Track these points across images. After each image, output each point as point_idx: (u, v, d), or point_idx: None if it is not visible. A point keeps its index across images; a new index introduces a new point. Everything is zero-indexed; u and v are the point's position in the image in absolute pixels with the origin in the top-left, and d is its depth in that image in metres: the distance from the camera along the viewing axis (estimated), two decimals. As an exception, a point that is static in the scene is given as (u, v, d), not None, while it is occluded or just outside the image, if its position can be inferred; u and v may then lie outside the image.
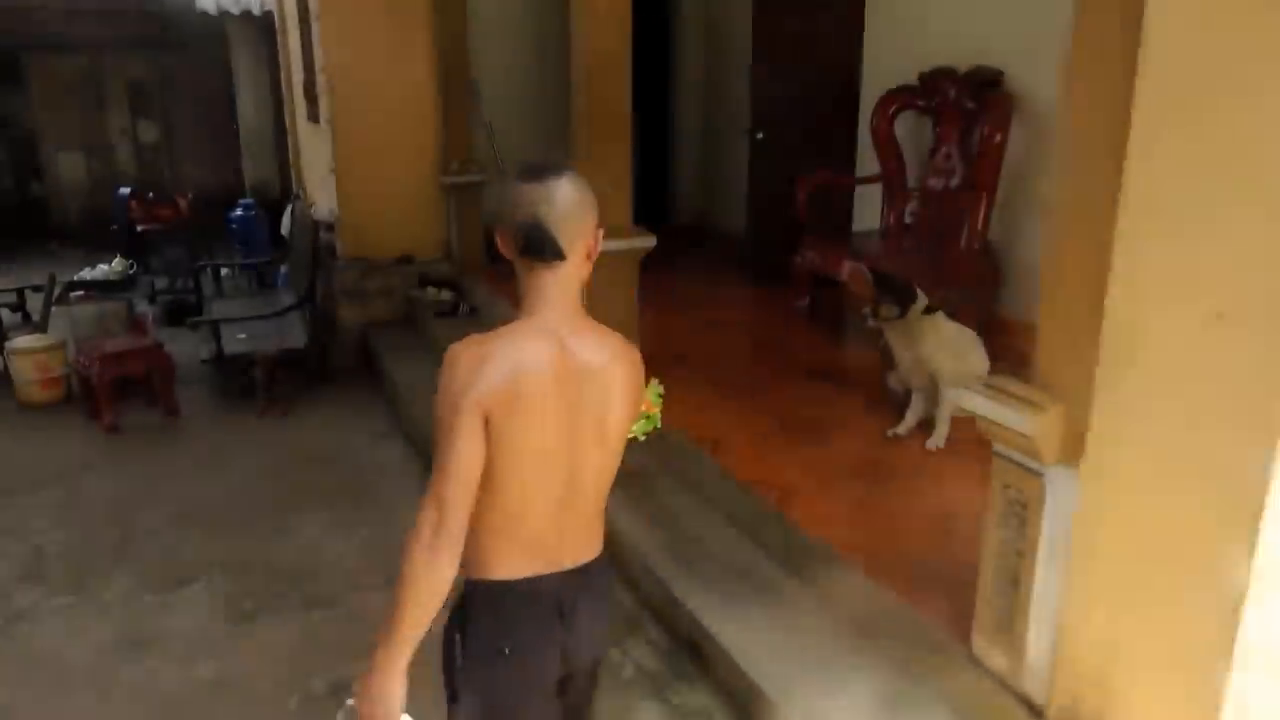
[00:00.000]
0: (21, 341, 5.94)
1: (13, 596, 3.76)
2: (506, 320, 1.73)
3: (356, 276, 6.59)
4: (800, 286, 5.09)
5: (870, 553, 3.05)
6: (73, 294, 6.19)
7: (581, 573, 1.78)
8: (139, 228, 7.79)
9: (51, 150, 10.79)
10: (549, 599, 1.73)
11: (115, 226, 7.89)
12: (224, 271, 8.18)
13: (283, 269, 8.12)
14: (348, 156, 6.50)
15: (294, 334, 6.22)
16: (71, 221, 10.90)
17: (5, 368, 5.98)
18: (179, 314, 7.84)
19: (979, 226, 4.52)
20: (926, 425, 3.83)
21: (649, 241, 4.32)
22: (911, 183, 5.21)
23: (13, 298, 6.98)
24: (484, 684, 1.75)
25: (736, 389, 4.29)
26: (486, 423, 1.58)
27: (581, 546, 1.78)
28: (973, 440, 2.61)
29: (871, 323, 3.78)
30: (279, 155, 10.38)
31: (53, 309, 6.73)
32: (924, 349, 3.73)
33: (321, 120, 7.46)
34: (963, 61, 4.86)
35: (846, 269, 4.57)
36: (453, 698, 1.78)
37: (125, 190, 7.93)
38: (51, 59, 10.44)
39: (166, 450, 5.30)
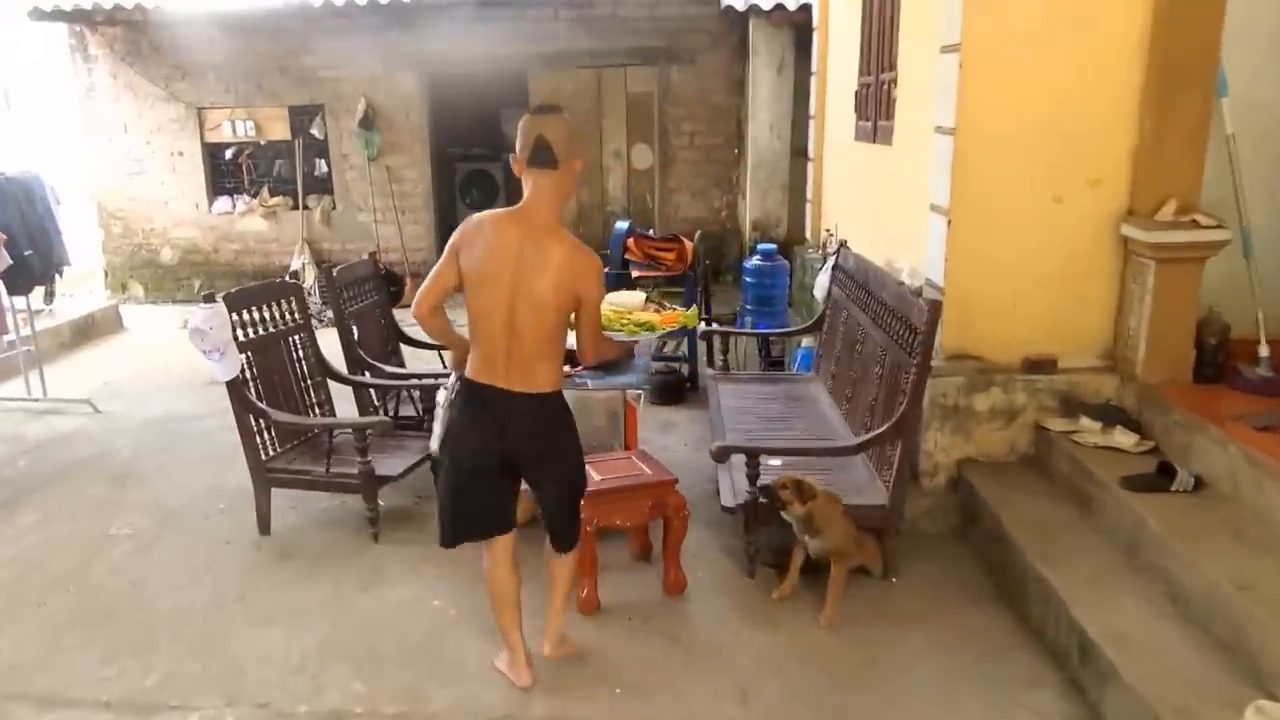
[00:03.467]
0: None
1: None
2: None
3: (960, 386, 4.02)
4: None
5: None
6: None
7: (517, 396, 2.63)
8: (635, 273, 6.04)
9: (543, 174, 9.81)
10: (490, 402, 2.66)
11: (607, 269, 6.23)
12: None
13: (802, 344, 5.87)
14: (964, 191, 3.94)
15: (856, 476, 3.80)
16: (553, 254, 9.81)
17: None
18: (672, 393, 5.93)
19: None
20: None
21: None
22: None
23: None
24: (446, 446, 2.84)
25: None
26: (459, 258, 2.63)
27: (521, 379, 2.62)
28: None
29: None
30: (793, 188, 8.32)
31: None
32: None
33: (895, 139, 5.07)
34: None
35: None
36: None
37: (623, 225, 6.23)
38: (552, 75, 9.42)
39: (659, 665, 3.12)
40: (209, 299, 3.98)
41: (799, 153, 8.23)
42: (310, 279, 9.44)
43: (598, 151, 9.62)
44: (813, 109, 7.39)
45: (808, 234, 7.68)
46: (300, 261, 9.58)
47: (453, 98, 10.61)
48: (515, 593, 2.98)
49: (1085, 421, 3.86)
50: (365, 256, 5.22)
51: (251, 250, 9.89)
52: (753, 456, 3.51)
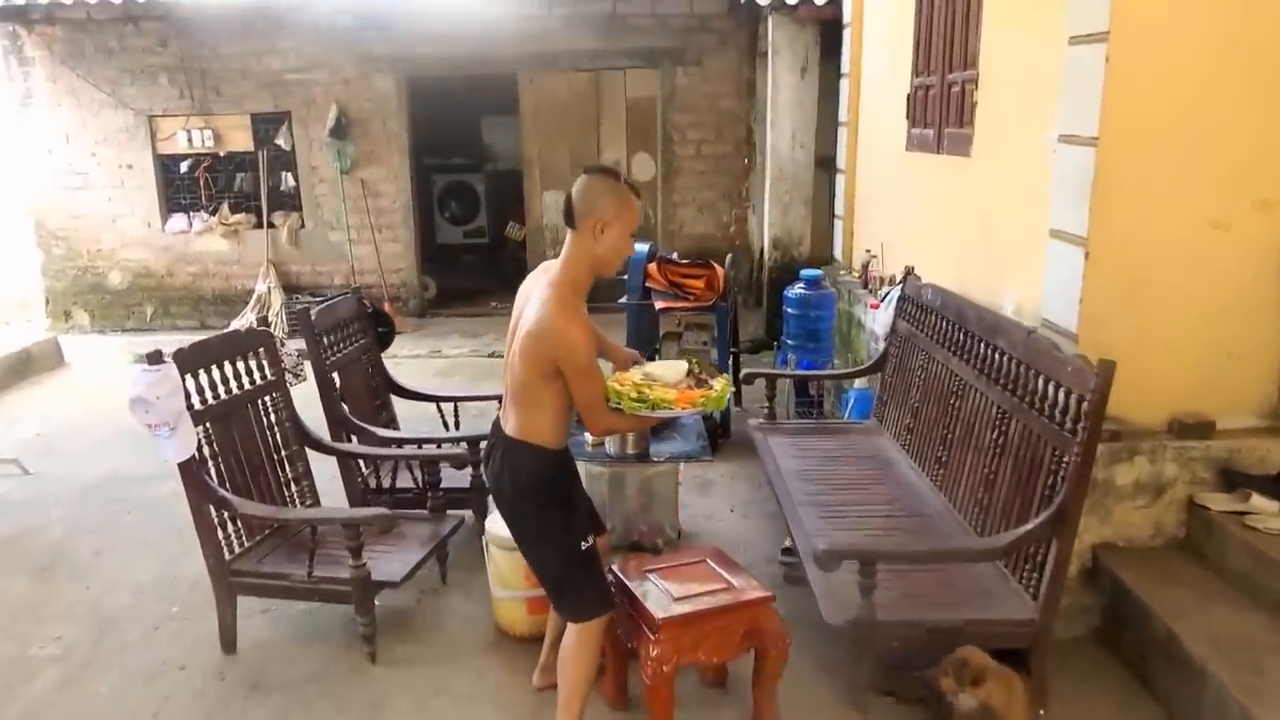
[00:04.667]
0: (499, 527, 3.38)
1: None
2: None
3: (1100, 456, 3.23)
4: None
5: None
6: (591, 447, 3.50)
7: (501, 432, 2.64)
8: (659, 305, 5.22)
9: (535, 186, 8.97)
10: (492, 431, 2.72)
11: (624, 299, 5.42)
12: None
13: (855, 388, 5.09)
14: (1107, 215, 3.18)
15: (978, 575, 3.02)
16: (547, 275, 8.97)
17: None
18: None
19: None
20: None
21: None
22: None
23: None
24: None
25: None
26: None
27: (507, 416, 2.63)
28: None
29: None
30: (817, 204, 7.55)
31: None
32: None
33: (975, 149, 4.33)
34: None
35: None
36: None
37: (643, 248, 5.41)
38: (545, 78, 8.60)
39: None
40: (154, 359, 3.11)
41: (821, 164, 7.48)
42: (277, 304, 8.54)
43: (595, 163, 8.80)
44: (843, 115, 6.65)
45: (837, 255, 6.92)
46: (265, 285, 8.65)
47: (430, 102, 9.76)
48: None
49: (1259, 500, 3.11)
50: (349, 293, 4.36)
51: (210, 273, 8.93)
52: (869, 562, 2.72)
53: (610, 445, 3.49)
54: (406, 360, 7.40)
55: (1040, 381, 3.05)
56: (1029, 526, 2.77)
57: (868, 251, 6.02)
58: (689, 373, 2.77)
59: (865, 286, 5.96)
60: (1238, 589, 3.02)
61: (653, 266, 5.39)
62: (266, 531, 3.44)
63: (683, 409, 2.65)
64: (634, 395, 2.59)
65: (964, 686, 2.54)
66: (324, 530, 3.33)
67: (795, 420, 5.17)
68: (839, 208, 6.86)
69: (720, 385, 2.70)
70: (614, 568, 2.85)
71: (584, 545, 2.63)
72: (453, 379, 7.04)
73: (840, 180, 6.79)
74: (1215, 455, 3.27)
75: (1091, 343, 3.23)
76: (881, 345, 4.84)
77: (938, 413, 3.88)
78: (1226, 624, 2.85)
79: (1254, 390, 3.33)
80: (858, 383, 5.07)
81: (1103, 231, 3.18)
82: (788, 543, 3.98)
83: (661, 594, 2.65)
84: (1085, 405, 2.71)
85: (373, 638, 3.20)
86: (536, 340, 2.45)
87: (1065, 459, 2.78)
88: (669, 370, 2.77)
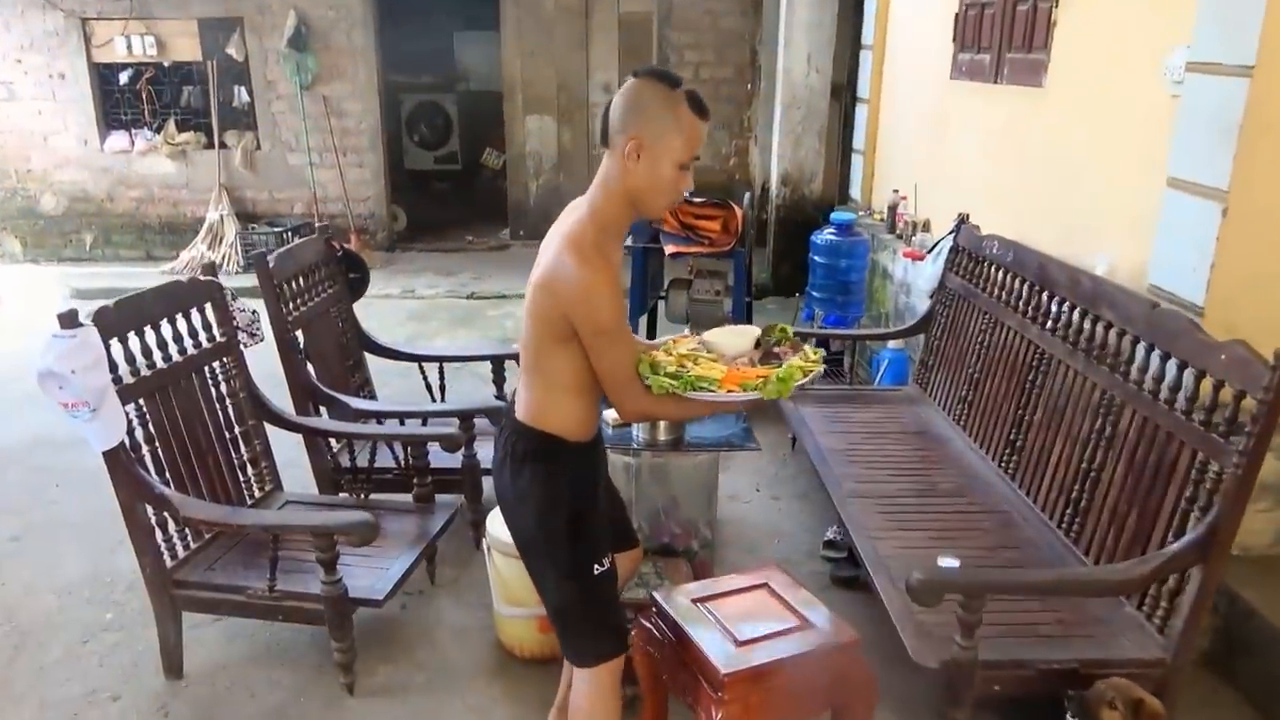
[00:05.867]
0: (502, 529, 2.80)
1: None
2: None
3: (1225, 453, 2.72)
4: None
5: None
6: (613, 430, 2.90)
7: (511, 414, 2.05)
8: (670, 249, 4.59)
9: (517, 110, 8.18)
10: (507, 407, 2.14)
11: (630, 242, 4.79)
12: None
13: (889, 350, 4.52)
14: (1257, 165, 2.60)
15: (1089, 609, 2.51)
16: (531, 207, 8.28)
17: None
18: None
19: None
20: None
21: None
22: None
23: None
24: None
25: None
26: None
27: (519, 393, 2.04)
28: None
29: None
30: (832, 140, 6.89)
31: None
32: None
33: (1049, 79, 3.73)
34: None
35: None
36: None
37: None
38: (532, -11, 7.78)
39: None
40: (68, 321, 2.45)
41: (835, 92, 6.80)
42: (231, 235, 7.75)
43: (584, 85, 8.02)
44: (868, 37, 5.96)
45: (854, 194, 6.31)
46: (218, 213, 7.83)
47: (396, 14, 8.87)
48: None
49: None
50: (314, 232, 3.69)
51: (156, 198, 8.08)
52: (974, 595, 2.18)
53: (637, 429, 2.90)
54: (377, 301, 6.70)
55: (1170, 367, 2.51)
56: (1173, 550, 2.24)
57: (896, 192, 5.41)
58: (758, 344, 2.12)
59: (892, 231, 5.37)
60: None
61: (662, 205, 4.73)
62: (214, 532, 2.83)
63: (728, 393, 1.93)
64: (671, 370, 1.96)
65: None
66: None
67: (825, 385, 4.62)
68: (859, 141, 6.22)
69: (792, 363, 2.03)
70: (656, 595, 2.29)
71: (597, 569, 2.03)
72: (429, 324, 6.38)
73: (861, 111, 6.14)
74: (1355, 452, 2.78)
75: (1220, 318, 2.69)
76: (922, 302, 4.29)
77: (1008, 388, 3.34)
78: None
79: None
80: (891, 342, 4.52)
81: (1249, 184, 2.61)
82: (830, 534, 3.47)
83: (721, 635, 2.10)
84: (1250, 405, 2.17)
85: (350, 665, 2.63)
86: (546, 292, 1.88)
87: (1215, 468, 2.25)
88: (732, 339, 2.12)
